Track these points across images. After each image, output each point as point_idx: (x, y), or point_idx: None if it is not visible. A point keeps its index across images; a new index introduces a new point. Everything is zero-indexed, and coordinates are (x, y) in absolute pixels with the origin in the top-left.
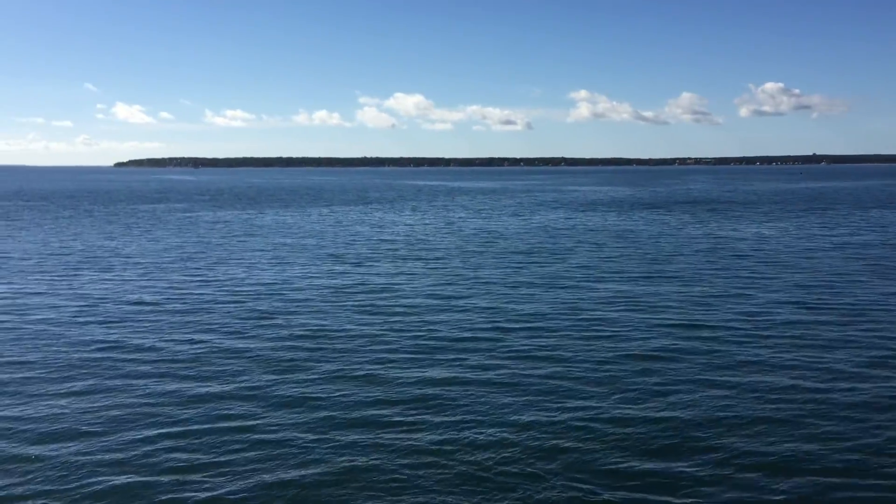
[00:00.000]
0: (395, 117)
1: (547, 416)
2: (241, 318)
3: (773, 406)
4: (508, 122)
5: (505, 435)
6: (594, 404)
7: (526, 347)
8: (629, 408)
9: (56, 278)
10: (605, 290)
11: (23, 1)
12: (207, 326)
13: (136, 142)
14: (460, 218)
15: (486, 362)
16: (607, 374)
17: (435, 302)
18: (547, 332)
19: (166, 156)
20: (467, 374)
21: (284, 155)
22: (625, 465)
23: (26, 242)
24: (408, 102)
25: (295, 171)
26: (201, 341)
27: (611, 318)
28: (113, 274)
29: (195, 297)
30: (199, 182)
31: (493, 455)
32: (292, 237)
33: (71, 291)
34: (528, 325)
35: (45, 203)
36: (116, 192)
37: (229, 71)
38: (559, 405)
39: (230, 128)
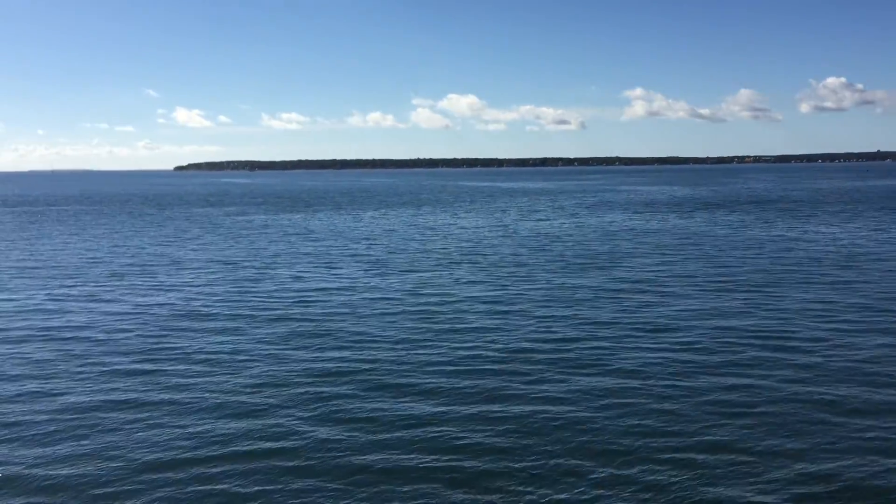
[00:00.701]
0: (449, 118)
1: (617, 426)
2: (286, 327)
3: None
4: (562, 122)
5: (570, 451)
6: (673, 426)
7: (587, 360)
8: (719, 429)
9: (100, 284)
10: (671, 299)
11: (87, 11)
12: (250, 335)
13: (196, 145)
14: (514, 220)
15: (546, 375)
16: (682, 390)
17: (489, 311)
18: (612, 344)
19: (224, 159)
20: (526, 388)
21: (338, 157)
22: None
23: (77, 247)
24: (461, 103)
25: (349, 173)
26: (242, 350)
27: (676, 327)
28: (157, 280)
29: (239, 304)
30: (254, 185)
31: (571, 483)
32: (343, 241)
33: (115, 297)
34: (590, 335)
35: (102, 207)
36: (172, 195)
37: (285, 75)
38: (628, 423)
39: (286, 130)
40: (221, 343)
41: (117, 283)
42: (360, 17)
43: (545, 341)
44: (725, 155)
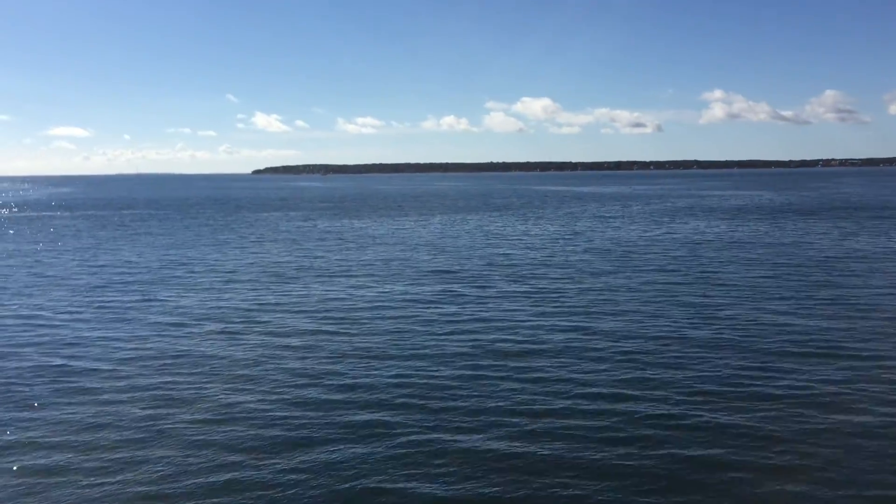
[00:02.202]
0: (523, 121)
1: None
2: (325, 343)
3: None
4: (638, 125)
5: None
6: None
7: (673, 385)
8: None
9: (151, 290)
10: (768, 318)
11: (171, 20)
12: (296, 351)
13: (274, 149)
14: (588, 227)
15: (634, 408)
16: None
17: (560, 331)
18: (701, 367)
19: (300, 163)
20: (618, 422)
21: (412, 161)
22: None
23: (133, 253)
24: (535, 106)
25: (422, 176)
26: (286, 369)
27: (775, 350)
28: (204, 290)
29: (288, 316)
30: (325, 189)
31: None
32: (406, 249)
33: (155, 306)
34: (674, 358)
35: (171, 212)
36: (243, 199)
37: (360, 79)
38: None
39: (360, 134)
40: (258, 358)
41: (160, 292)
42: (434, 22)
43: (625, 367)
44: (810, 158)
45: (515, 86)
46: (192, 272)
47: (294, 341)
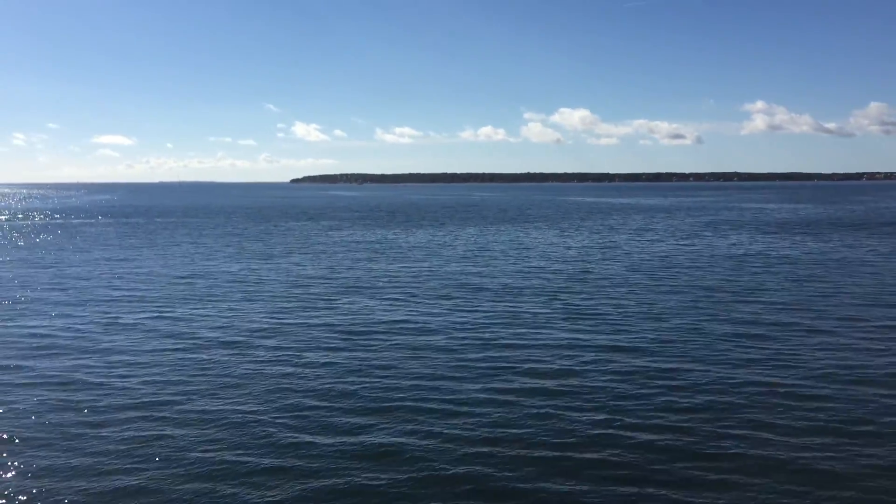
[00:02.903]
0: (560, 132)
1: None
2: (357, 360)
3: None
4: (677, 136)
5: None
6: None
7: (719, 413)
8: None
9: (167, 302)
10: (821, 342)
11: (212, 30)
12: (316, 368)
13: (312, 159)
14: (626, 240)
15: (677, 441)
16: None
17: (595, 349)
18: (753, 397)
19: (339, 172)
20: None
21: (449, 171)
22: None
23: (156, 263)
24: (573, 117)
25: (458, 186)
26: (305, 387)
27: (839, 376)
28: (221, 302)
29: (310, 330)
30: (360, 198)
31: None
32: (436, 262)
33: (173, 318)
34: (722, 387)
35: (203, 220)
36: (277, 208)
37: (399, 90)
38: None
39: (398, 144)
40: (260, 378)
41: (176, 304)
42: (472, 33)
43: (663, 395)
44: (853, 171)
45: (553, 96)
46: (214, 283)
47: (314, 356)
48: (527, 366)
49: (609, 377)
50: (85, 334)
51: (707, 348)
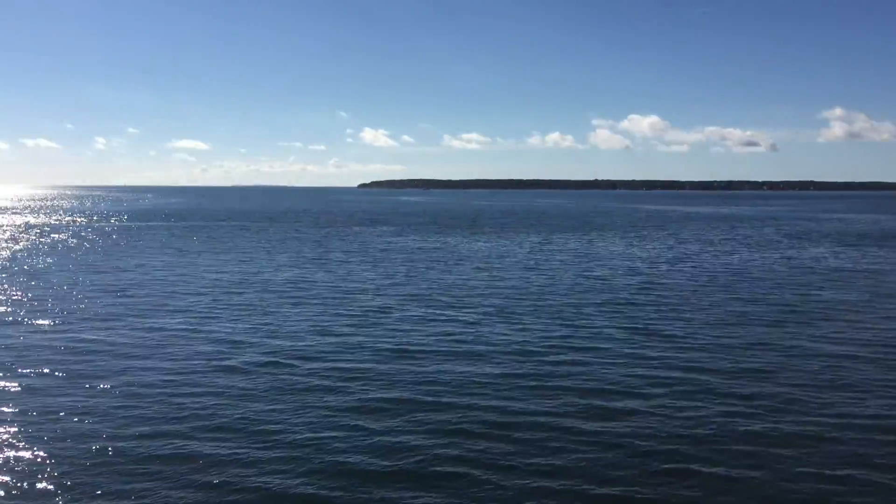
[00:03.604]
0: (629, 139)
1: None
2: (405, 374)
3: None
4: (750, 144)
5: None
6: None
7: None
8: None
9: (212, 309)
10: None
11: (286, 39)
12: (359, 382)
13: (381, 164)
14: (695, 251)
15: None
16: None
17: (662, 367)
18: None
19: (406, 178)
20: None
21: (515, 177)
22: None
23: (210, 268)
24: (643, 124)
25: (524, 193)
26: (344, 401)
27: None
28: (264, 309)
29: (357, 340)
30: (425, 203)
31: None
32: (494, 271)
33: (213, 327)
34: (802, 408)
35: (266, 224)
36: (340, 213)
37: (467, 96)
38: None
39: (465, 150)
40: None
41: (225, 311)
42: (541, 39)
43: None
44: None
45: (622, 102)
46: (263, 289)
47: (358, 368)
48: (589, 385)
49: (678, 399)
50: (122, 342)
51: (791, 370)
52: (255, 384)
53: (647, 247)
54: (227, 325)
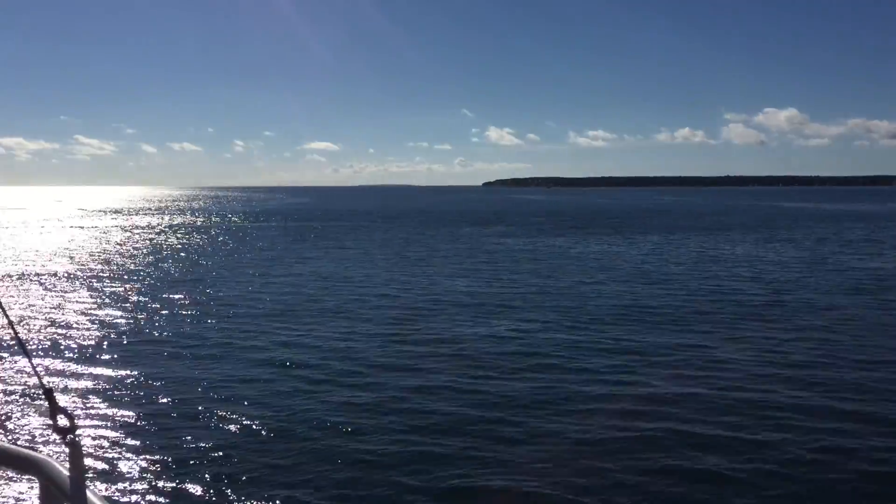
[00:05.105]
0: (765, 133)
1: None
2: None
3: None
4: None
5: None
6: None
7: None
8: None
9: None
10: None
11: (411, 40)
12: (437, 398)
13: (505, 163)
14: (835, 252)
15: None
16: None
17: (794, 386)
18: None
19: (530, 176)
20: None
21: (642, 174)
22: None
23: (305, 267)
24: (779, 117)
25: (651, 191)
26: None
27: None
28: (342, 313)
29: (440, 351)
30: (545, 202)
31: None
32: (604, 278)
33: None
34: None
35: (379, 223)
36: (456, 212)
37: (593, 92)
38: None
39: (591, 147)
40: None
41: (307, 316)
42: (669, 30)
43: None
44: None
45: (757, 95)
46: (349, 295)
47: (436, 382)
48: (714, 416)
49: (821, 433)
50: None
51: None
52: (320, 386)
53: (783, 248)
54: (291, 330)
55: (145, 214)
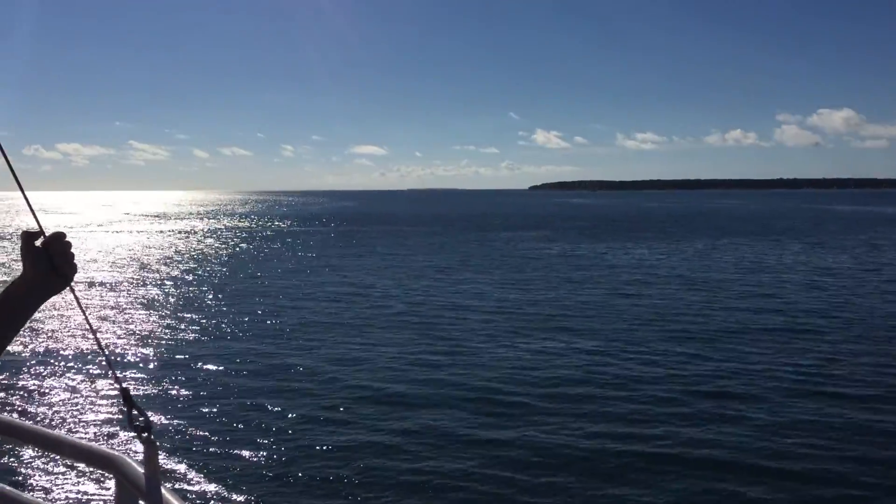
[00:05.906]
0: (819, 135)
1: None
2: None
3: None
4: None
5: None
6: None
7: None
8: None
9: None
10: None
11: (456, 45)
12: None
13: (552, 165)
14: (893, 260)
15: None
16: None
17: (854, 406)
18: None
19: (577, 179)
20: None
21: (692, 177)
22: None
23: (330, 274)
24: (834, 118)
25: (699, 193)
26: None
27: None
28: (357, 325)
29: (460, 367)
30: (590, 206)
31: None
32: (642, 289)
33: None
34: None
35: (417, 228)
36: (496, 216)
37: (641, 94)
38: None
39: (640, 150)
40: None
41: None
42: (717, 31)
43: None
44: None
45: (812, 96)
46: (367, 305)
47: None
48: (762, 444)
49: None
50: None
51: None
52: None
53: (837, 255)
54: (304, 343)
55: (192, 218)
